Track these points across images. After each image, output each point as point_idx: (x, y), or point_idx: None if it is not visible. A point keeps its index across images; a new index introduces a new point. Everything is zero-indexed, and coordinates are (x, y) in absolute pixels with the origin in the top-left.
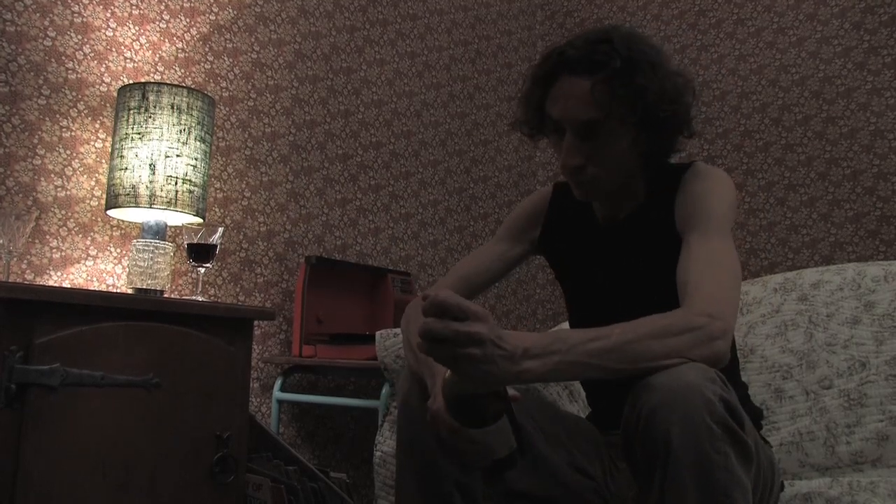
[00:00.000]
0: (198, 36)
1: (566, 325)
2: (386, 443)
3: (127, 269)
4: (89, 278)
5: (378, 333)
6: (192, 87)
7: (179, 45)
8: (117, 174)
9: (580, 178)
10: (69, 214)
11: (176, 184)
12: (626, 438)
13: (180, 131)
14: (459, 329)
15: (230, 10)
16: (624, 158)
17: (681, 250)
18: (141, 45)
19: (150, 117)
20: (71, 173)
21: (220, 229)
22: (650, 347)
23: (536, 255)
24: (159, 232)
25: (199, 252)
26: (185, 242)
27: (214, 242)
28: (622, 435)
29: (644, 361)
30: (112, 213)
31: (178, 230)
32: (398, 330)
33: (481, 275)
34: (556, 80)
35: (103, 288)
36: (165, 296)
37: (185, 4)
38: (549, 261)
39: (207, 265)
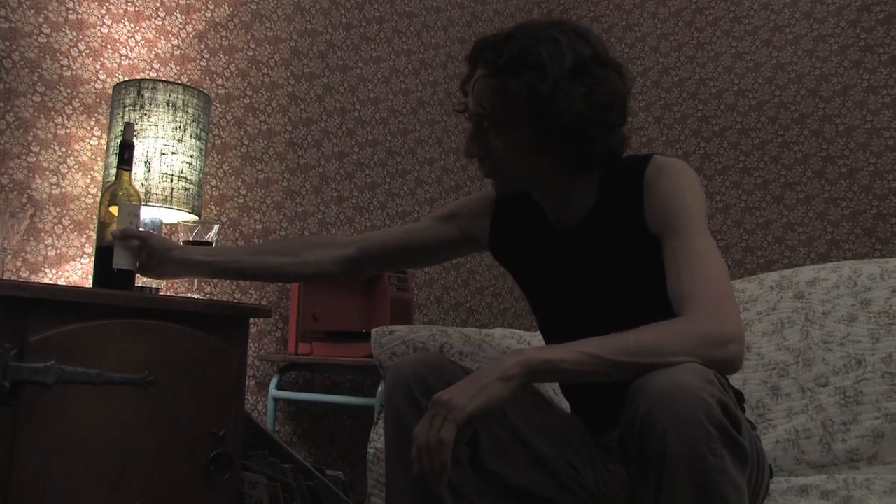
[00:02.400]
0: (193, 33)
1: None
2: (380, 440)
3: None
4: (84, 276)
5: (374, 331)
6: (188, 84)
7: (175, 42)
8: (112, 171)
9: (482, 169)
10: (64, 212)
11: (171, 181)
12: (622, 439)
13: (176, 128)
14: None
15: (226, 7)
16: (521, 158)
17: (664, 256)
18: (136, 41)
19: (145, 114)
20: (66, 171)
21: (216, 227)
22: (658, 345)
23: (471, 249)
24: (155, 229)
25: None
26: (181, 240)
27: (210, 240)
28: (618, 436)
29: (650, 357)
30: None
31: (174, 228)
32: (394, 328)
33: (388, 244)
34: (474, 68)
35: None
36: (161, 293)
37: (180, 1)
38: (505, 266)
39: None
